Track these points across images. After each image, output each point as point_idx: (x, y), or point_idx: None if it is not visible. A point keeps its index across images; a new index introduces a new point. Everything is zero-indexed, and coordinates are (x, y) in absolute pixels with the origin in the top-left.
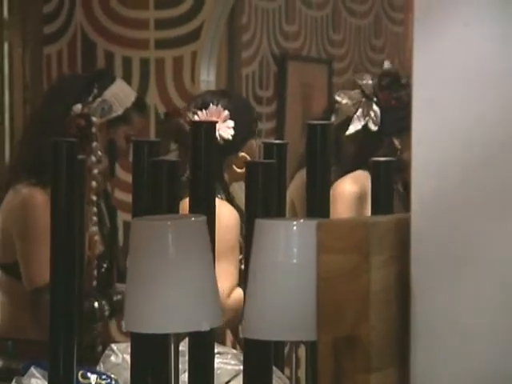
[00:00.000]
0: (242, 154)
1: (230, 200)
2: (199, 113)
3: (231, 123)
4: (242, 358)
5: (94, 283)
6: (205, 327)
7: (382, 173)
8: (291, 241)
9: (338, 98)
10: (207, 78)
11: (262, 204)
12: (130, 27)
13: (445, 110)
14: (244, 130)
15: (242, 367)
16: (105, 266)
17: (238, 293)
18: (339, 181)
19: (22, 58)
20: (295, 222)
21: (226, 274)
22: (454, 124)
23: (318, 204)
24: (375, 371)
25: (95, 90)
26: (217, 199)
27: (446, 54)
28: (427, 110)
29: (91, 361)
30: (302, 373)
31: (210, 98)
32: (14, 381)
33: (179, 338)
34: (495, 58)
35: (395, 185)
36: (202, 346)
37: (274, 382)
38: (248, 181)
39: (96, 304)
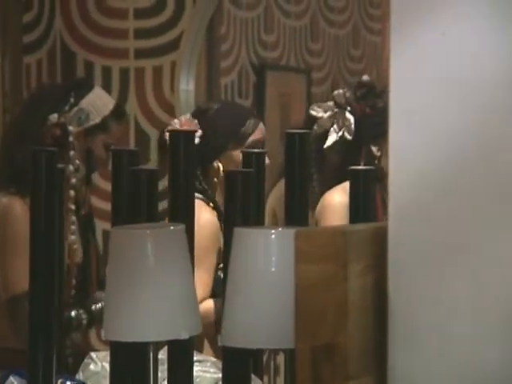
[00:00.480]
0: (218, 164)
1: (218, 208)
2: (173, 121)
3: (198, 134)
4: (221, 366)
5: (73, 292)
6: (184, 335)
7: (361, 181)
8: (270, 249)
9: (312, 112)
10: (186, 88)
11: (241, 212)
12: (109, 37)
13: (422, 119)
14: (217, 141)
15: (221, 375)
16: (84, 274)
17: (208, 305)
18: (329, 192)
19: (1, 67)
20: (273, 231)
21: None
22: (432, 133)
23: (296, 213)
24: (353, 379)
25: (72, 99)
26: (202, 205)
27: (423, 63)
28: (404, 118)
29: (71, 369)
30: (280, 380)
31: (205, 107)
32: None
33: (158, 346)
34: (473, 67)
35: (383, 192)
36: (182, 355)
37: None
38: (227, 190)
39: (73, 313)
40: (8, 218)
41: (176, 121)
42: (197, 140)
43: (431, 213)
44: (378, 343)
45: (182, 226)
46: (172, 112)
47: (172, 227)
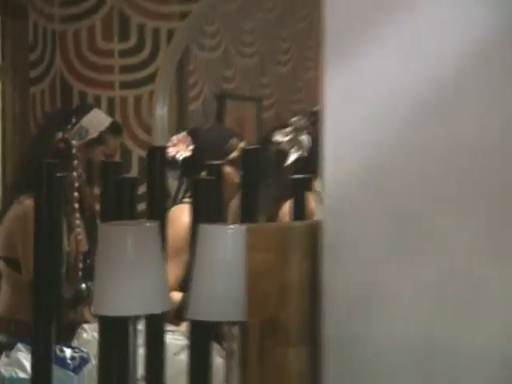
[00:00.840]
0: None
1: None
2: (172, 138)
3: (190, 148)
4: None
5: (80, 273)
6: (157, 311)
7: (299, 187)
8: (227, 242)
9: (277, 138)
10: (161, 113)
11: (205, 212)
12: (99, 72)
13: (354, 133)
14: (206, 155)
15: (187, 342)
16: (89, 261)
17: (174, 295)
18: (289, 201)
19: (12, 97)
20: (230, 227)
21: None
22: (364, 140)
23: (248, 212)
24: (292, 347)
25: (74, 119)
26: (187, 208)
27: (351, 90)
28: (337, 133)
29: (70, 338)
30: (235, 346)
31: (198, 127)
32: (3, 354)
33: (137, 319)
34: (398, 91)
35: None
36: (156, 326)
37: (213, 353)
38: (193, 194)
39: (83, 285)
40: (29, 216)
41: (174, 137)
42: (190, 153)
43: (363, 210)
44: (313, 318)
45: (156, 223)
46: (150, 132)
47: (148, 224)
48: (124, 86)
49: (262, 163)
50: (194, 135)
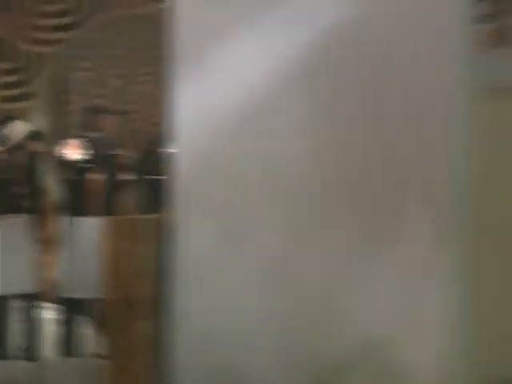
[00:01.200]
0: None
1: None
2: (67, 142)
3: (81, 151)
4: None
5: None
6: (31, 290)
7: (155, 186)
8: (90, 231)
9: (171, 150)
10: (45, 123)
11: (73, 206)
12: None
13: (197, 137)
14: (94, 159)
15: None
16: None
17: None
18: None
19: None
20: (92, 219)
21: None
22: (205, 149)
23: (108, 206)
24: (143, 319)
25: None
26: None
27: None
28: (186, 138)
29: None
30: (98, 317)
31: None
32: None
33: (13, 297)
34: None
35: None
36: (28, 303)
37: (77, 324)
38: (64, 191)
39: None
40: None
41: (69, 142)
42: (81, 156)
43: (199, 203)
44: (161, 296)
45: (28, 217)
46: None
47: (20, 218)
48: (8, 100)
49: (129, 167)
50: (86, 141)
